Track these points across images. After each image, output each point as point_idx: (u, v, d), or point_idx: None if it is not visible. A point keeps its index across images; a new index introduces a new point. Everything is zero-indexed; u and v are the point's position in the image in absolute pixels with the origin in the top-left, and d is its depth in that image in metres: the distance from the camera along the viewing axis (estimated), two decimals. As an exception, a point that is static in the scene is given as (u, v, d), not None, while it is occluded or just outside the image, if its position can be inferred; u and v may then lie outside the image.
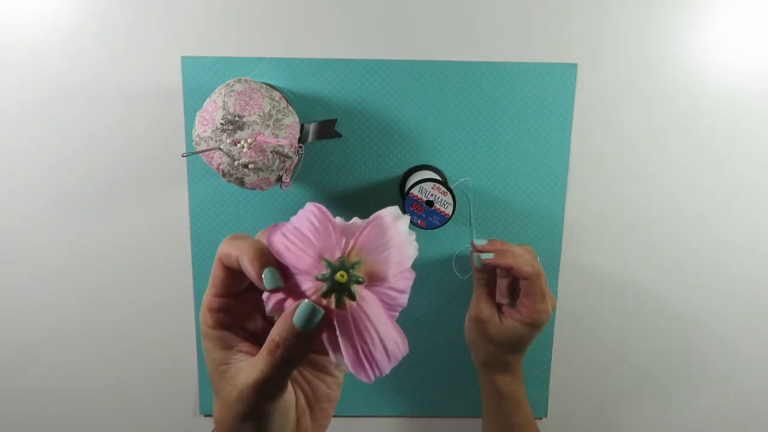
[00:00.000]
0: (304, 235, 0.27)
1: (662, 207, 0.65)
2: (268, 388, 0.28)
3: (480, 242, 0.57)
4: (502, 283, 0.58)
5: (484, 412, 0.63)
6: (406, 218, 0.28)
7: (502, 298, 0.58)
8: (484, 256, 0.55)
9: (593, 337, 0.69)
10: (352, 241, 0.27)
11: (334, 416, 0.70)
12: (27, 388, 0.69)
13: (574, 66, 0.62)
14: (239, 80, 0.53)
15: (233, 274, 0.29)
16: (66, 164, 0.63)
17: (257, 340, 0.30)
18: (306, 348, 0.27)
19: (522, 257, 0.55)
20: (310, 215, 0.28)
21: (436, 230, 0.64)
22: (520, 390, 0.60)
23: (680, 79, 0.62)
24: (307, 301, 0.26)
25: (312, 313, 0.26)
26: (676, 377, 0.70)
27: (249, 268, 0.27)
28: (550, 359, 0.69)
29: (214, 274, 0.29)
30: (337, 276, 0.26)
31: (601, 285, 0.67)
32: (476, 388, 0.69)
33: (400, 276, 0.28)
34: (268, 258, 0.27)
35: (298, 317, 0.26)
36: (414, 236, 0.28)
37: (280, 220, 0.60)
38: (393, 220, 0.28)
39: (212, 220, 0.64)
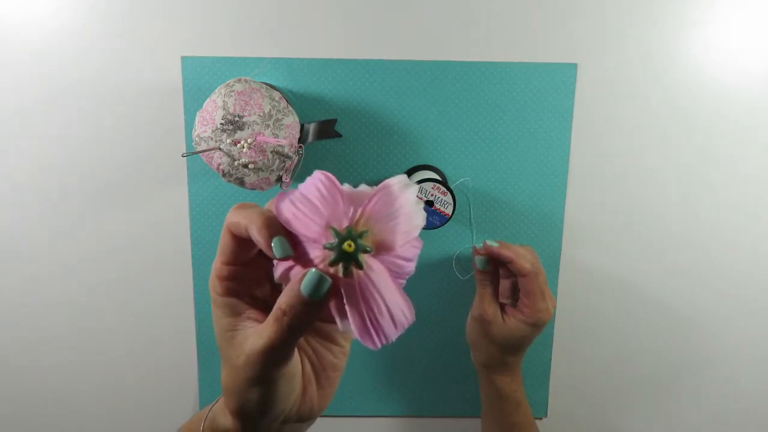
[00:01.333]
0: (311, 203, 0.27)
1: (662, 207, 0.65)
2: (274, 355, 0.28)
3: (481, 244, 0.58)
4: (504, 285, 0.59)
5: (484, 413, 0.63)
6: (415, 187, 0.28)
7: (504, 298, 0.59)
8: (490, 242, 0.56)
9: (593, 337, 0.69)
10: (360, 210, 0.27)
11: (333, 416, 0.70)
12: (27, 388, 0.69)
13: (574, 66, 0.62)
14: (239, 80, 0.53)
15: (241, 242, 0.29)
16: (66, 164, 0.63)
17: (266, 306, 0.31)
18: (313, 316, 0.27)
19: (521, 253, 0.55)
20: (318, 183, 0.27)
21: (436, 230, 0.64)
22: (519, 390, 0.60)
23: (680, 79, 0.62)
24: (314, 269, 0.26)
25: (319, 281, 0.26)
26: (676, 377, 0.70)
27: (258, 237, 0.27)
28: (550, 359, 0.69)
29: (223, 242, 0.29)
30: (345, 246, 0.26)
31: (601, 285, 0.67)
32: (476, 388, 0.69)
33: (407, 245, 0.27)
34: (276, 226, 0.27)
35: (305, 286, 0.26)
36: (422, 205, 0.28)
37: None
38: (401, 189, 0.27)
39: (212, 220, 0.64)
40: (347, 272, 0.26)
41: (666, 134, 0.64)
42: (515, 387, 0.60)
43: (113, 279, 0.66)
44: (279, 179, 0.55)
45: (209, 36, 0.61)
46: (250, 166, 0.52)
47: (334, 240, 0.26)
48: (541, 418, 0.71)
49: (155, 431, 0.71)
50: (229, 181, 0.54)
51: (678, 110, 0.63)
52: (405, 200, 0.27)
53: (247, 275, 0.31)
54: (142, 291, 0.66)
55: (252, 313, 0.30)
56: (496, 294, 0.59)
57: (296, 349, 0.32)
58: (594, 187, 0.65)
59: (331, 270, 0.27)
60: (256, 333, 0.29)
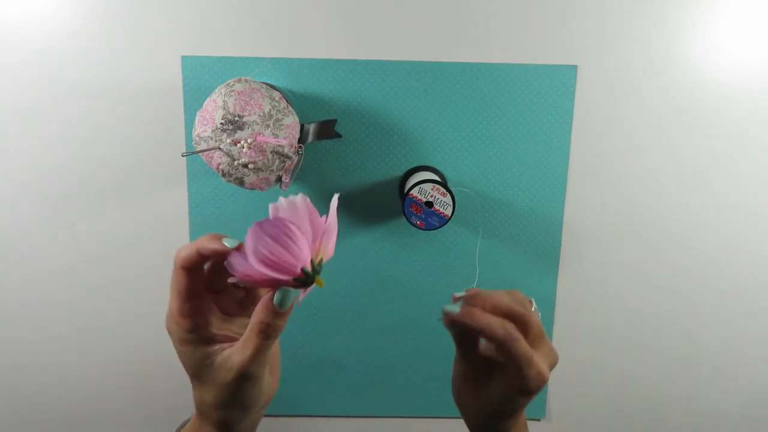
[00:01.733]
0: (283, 253, 0.31)
1: (662, 207, 0.65)
2: (261, 359, 0.34)
3: (457, 302, 0.44)
4: None
5: None
6: (335, 198, 0.33)
7: (489, 350, 0.44)
8: (449, 308, 0.43)
9: (592, 337, 0.69)
10: (318, 244, 0.32)
11: (333, 416, 0.70)
12: (27, 388, 0.69)
13: (574, 68, 0.62)
14: (239, 80, 0.53)
15: (194, 277, 0.34)
16: (66, 164, 0.63)
17: (223, 329, 0.36)
18: (285, 321, 0.33)
19: (492, 313, 0.41)
20: (288, 231, 0.31)
21: (435, 231, 0.64)
22: None
23: (680, 79, 0.62)
24: (282, 287, 0.32)
25: (288, 296, 0.32)
26: (677, 377, 0.70)
27: (212, 245, 0.33)
28: (550, 359, 0.69)
29: (179, 282, 0.34)
30: (317, 281, 0.32)
31: (600, 285, 0.67)
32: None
33: None
34: (218, 235, 0.34)
35: (277, 301, 0.32)
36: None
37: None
38: (335, 211, 0.32)
39: (212, 220, 0.64)
40: (309, 286, 0.33)
41: (666, 134, 0.64)
42: None
43: (113, 279, 0.66)
44: (279, 179, 0.55)
45: (209, 36, 0.61)
46: (249, 166, 0.52)
47: (304, 276, 0.32)
48: (539, 419, 0.71)
49: (155, 431, 0.71)
50: (228, 181, 0.54)
51: (678, 110, 0.63)
52: (335, 216, 0.33)
53: (202, 308, 0.35)
54: (142, 291, 0.66)
55: (219, 337, 0.35)
56: (476, 348, 0.45)
57: None
58: (594, 188, 0.65)
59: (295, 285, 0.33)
60: (239, 349, 0.33)
